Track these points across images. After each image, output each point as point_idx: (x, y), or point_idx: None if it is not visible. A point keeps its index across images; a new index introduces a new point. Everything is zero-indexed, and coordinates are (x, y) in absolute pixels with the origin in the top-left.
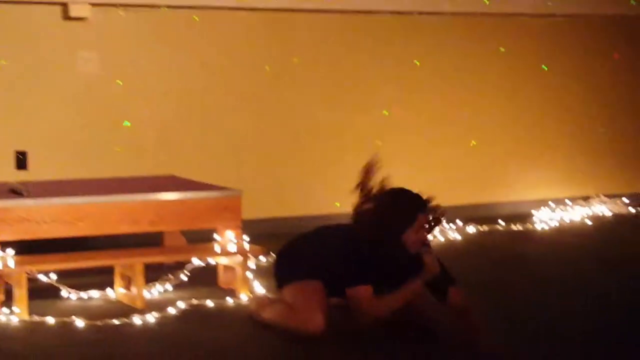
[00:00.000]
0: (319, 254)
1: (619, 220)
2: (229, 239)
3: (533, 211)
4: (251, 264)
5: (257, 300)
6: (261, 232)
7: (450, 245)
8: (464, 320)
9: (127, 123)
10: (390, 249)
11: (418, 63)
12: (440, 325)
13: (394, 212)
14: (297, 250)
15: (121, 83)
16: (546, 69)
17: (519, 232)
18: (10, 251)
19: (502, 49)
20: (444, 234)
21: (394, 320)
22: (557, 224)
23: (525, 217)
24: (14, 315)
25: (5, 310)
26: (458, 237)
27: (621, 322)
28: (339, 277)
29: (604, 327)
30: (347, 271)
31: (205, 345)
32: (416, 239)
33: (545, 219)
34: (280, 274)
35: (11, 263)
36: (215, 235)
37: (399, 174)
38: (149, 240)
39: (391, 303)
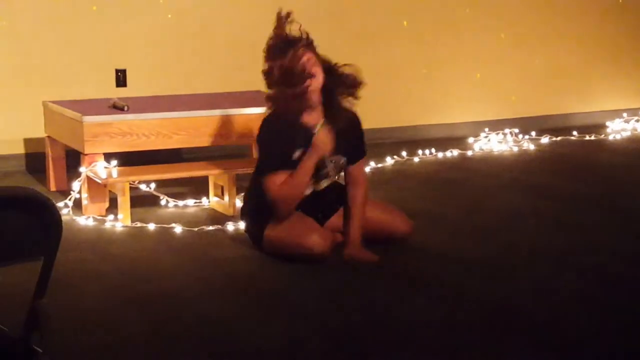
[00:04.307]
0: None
1: None
2: None
3: (607, 122)
4: None
5: None
6: None
7: (523, 154)
8: (351, 215)
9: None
10: (291, 115)
11: None
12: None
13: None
14: None
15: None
16: None
17: (591, 141)
18: (113, 162)
19: None
20: (518, 144)
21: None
22: (630, 134)
23: (599, 128)
24: (118, 222)
25: (110, 217)
26: (531, 147)
27: None
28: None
29: None
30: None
31: None
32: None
33: (618, 130)
34: None
35: (115, 173)
36: None
37: (470, 81)
38: (239, 152)
39: (291, 188)
